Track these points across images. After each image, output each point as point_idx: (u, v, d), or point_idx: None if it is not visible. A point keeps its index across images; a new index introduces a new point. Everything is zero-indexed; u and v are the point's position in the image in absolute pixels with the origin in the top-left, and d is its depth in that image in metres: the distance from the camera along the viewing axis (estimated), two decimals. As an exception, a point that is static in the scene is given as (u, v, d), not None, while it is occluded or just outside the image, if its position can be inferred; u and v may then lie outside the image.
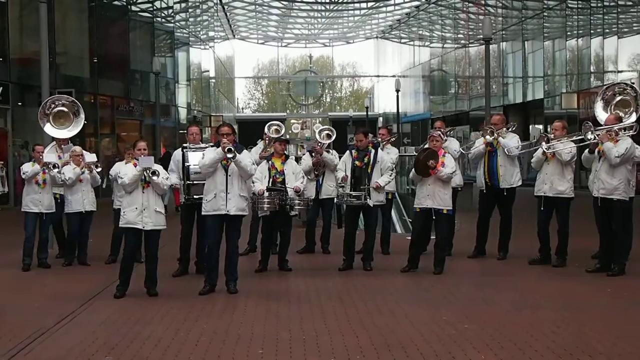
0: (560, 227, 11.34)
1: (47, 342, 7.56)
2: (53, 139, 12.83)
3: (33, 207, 11.76)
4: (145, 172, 9.54)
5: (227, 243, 9.89)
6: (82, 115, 12.98)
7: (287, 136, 13.68)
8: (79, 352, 7.14)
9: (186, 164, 10.83)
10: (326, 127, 13.71)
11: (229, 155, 9.50)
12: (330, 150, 13.02)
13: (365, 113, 53.59)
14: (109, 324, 8.26)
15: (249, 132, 37.18)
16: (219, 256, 9.88)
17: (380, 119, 60.72)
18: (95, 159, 12.45)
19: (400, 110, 43.41)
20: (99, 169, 12.40)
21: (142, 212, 9.60)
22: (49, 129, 12.83)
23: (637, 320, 8.26)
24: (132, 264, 9.81)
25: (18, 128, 24.21)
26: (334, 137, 13.07)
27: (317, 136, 13.04)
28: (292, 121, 58.66)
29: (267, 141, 12.87)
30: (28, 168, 11.81)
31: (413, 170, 11.22)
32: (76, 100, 13.43)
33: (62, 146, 12.54)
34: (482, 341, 7.29)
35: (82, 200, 12.10)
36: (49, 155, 12.02)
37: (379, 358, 6.86)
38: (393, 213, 15.47)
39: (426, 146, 11.39)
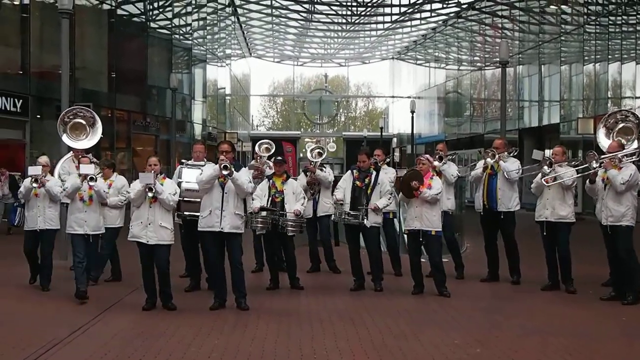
0: (560, 252, 11.28)
1: (60, 353, 7.62)
2: (69, 149, 12.87)
3: (77, 228, 10.54)
4: (145, 188, 9.67)
5: (229, 260, 9.95)
6: (99, 124, 12.89)
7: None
8: (91, 365, 7.20)
9: (179, 180, 10.88)
10: (317, 145, 13.84)
11: (225, 173, 9.56)
12: (324, 168, 13.09)
13: (379, 133, 53.65)
14: (121, 337, 8.32)
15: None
16: (225, 272, 9.94)
17: (395, 139, 60.80)
18: (39, 172, 11.01)
19: (414, 132, 43.44)
20: (60, 182, 11.41)
21: (146, 226, 9.72)
22: (66, 139, 12.79)
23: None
24: (152, 277, 9.86)
25: (36, 140, 24.39)
26: (324, 155, 13.19)
27: (309, 155, 13.14)
28: (306, 140, 58.71)
29: (257, 159, 13.02)
30: (56, 184, 11.08)
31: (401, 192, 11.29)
32: (94, 112, 13.38)
33: (80, 157, 12.50)
34: (492, 365, 7.29)
35: (37, 218, 11.18)
36: (87, 167, 10.72)
37: (388, 379, 6.88)
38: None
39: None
